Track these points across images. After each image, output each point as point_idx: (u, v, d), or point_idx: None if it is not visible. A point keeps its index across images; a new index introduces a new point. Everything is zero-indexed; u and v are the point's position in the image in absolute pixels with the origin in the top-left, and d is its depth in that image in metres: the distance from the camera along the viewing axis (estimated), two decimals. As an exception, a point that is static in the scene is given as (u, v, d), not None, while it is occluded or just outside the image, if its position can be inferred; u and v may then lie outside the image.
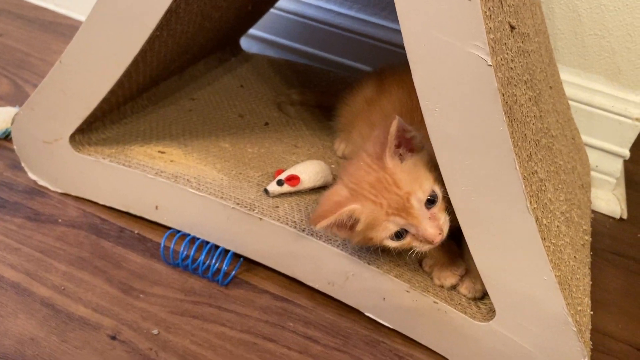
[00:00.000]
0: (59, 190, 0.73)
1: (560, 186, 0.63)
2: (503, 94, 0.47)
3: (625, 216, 0.90)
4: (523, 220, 0.50)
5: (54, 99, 0.66)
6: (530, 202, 0.49)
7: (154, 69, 0.70)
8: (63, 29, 1.18)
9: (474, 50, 0.45)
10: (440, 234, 0.53)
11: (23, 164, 0.73)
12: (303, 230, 0.62)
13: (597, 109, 0.88)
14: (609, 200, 0.91)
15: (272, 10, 0.97)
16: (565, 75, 0.88)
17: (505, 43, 0.50)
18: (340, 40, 1.02)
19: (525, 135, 0.53)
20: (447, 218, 0.55)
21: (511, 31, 0.53)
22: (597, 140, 0.90)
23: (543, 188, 0.55)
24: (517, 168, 0.48)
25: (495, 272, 0.53)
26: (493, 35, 0.46)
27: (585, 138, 0.89)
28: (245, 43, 1.03)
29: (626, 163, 0.93)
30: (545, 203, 0.55)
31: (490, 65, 0.45)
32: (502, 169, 0.48)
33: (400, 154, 0.55)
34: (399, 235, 0.54)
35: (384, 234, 0.54)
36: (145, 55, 0.62)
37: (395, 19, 0.98)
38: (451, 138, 0.49)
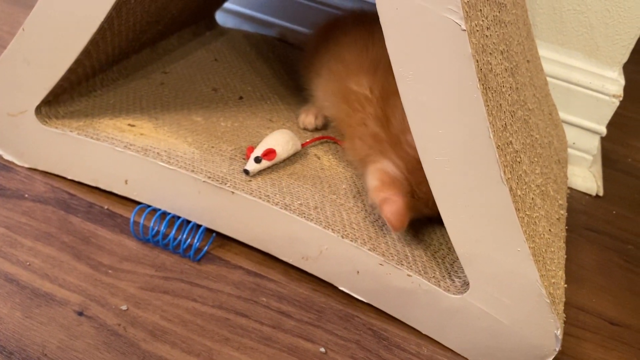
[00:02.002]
0: (26, 165, 0.71)
1: (536, 159, 0.63)
2: (477, 61, 0.46)
3: (601, 193, 0.91)
4: (497, 191, 0.49)
5: (17, 70, 0.63)
6: (505, 172, 0.49)
7: (123, 39, 0.67)
8: (32, 1, 1.14)
9: (448, 14, 0.44)
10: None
11: (-13, 138, 0.71)
12: (276, 204, 0.60)
13: (575, 86, 0.88)
14: (586, 177, 0.91)
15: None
16: (543, 51, 0.87)
17: (481, 10, 0.49)
18: (316, 14, 1.00)
19: (501, 105, 0.52)
20: None
21: (487, -1, 0.52)
22: (574, 117, 0.90)
23: (518, 159, 0.54)
24: (491, 137, 0.47)
25: (469, 244, 0.52)
26: (467, 0, 0.44)
27: (562, 115, 0.89)
28: (221, 17, 1.01)
29: (603, 140, 0.93)
30: (520, 175, 0.54)
31: (464, 30, 0.44)
32: (476, 138, 0.47)
33: None
34: None
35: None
36: (113, 23, 0.60)
37: (373, -7, 0.96)
38: (425, 106, 0.48)
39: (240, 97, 0.79)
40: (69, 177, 0.69)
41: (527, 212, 0.53)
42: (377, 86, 0.65)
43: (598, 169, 0.94)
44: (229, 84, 0.81)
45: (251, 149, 0.66)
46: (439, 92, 0.47)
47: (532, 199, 0.57)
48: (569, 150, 0.91)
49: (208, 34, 0.94)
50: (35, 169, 0.71)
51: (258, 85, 0.83)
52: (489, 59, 0.50)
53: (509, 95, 0.56)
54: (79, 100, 0.71)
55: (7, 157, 0.71)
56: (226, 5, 1.03)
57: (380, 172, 0.61)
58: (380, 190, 0.58)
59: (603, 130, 0.89)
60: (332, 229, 0.59)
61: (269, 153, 0.65)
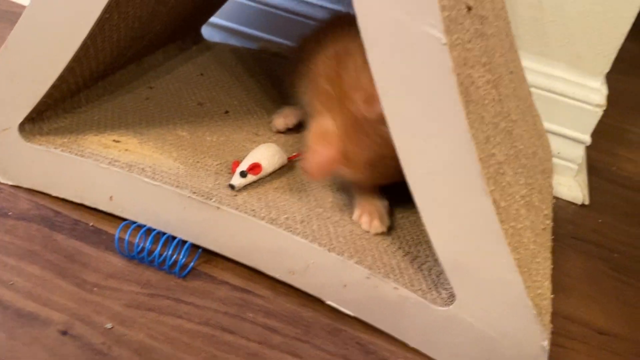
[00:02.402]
0: (10, 183, 0.70)
1: (520, 170, 0.63)
2: (458, 74, 0.46)
3: (587, 202, 0.91)
4: (480, 203, 0.49)
5: (0, 87, 0.63)
6: (488, 184, 0.49)
7: (107, 56, 0.67)
8: (18, 17, 1.14)
9: (428, 29, 0.44)
10: None
11: (-30, 156, 0.70)
12: (262, 219, 0.60)
13: (559, 96, 0.88)
14: (571, 186, 0.92)
15: (233, -2, 0.96)
16: (526, 62, 0.88)
17: (462, 23, 0.50)
18: (303, 28, 1.01)
19: (483, 117, 0.52)
20: None
21: (468, 12, 0.53)
22: (558, 127, 0.90)
23: (501, 171, 0.55)
24: (474, 150, 0.47)
25: (455, 256, 0.53)
26: (448, 13, 0.45)
27: (547, 124, 0.90)
28: (207, 32, 1.01)
29: (588, 149, 0.94)
30: (504, 186, 0.54)
31: (445, 44, 0.44)
32: (458, 151, 0.48)
33: None
34: None
35: None
36: (96, 39, 0.60)
37: (358, 6, 0.97)
38: (407, 121, 0.48)
39: (226, 112, 0.79)
40: (54, 194, 0.69)
41: (512, 224, 0.54)
42: (338, 51, 0.65)
43: (584, 178, 0.95)
44: (214, 98, 0.81)
45: (237, 164, 0.66)
46: (420, 106, 0.47)
47: (517, 210, 0.57)
48: (555, 159, 0.91)
49: (194, 48, 0.94)
50: (19, 187, 0.70)
51: (244, 99, 0.83)
52: (470, 72, 0.50)
53: (491, 107, 0.56)
54: (64, 117, 0.70)
55: (-10, 174, 0.71)
56: (212, 19, 1.03)
57: (317, 125, 0.62)
58: (312, 143, 0.60)
59: (587, 139, 0.90)
60: (319, 243, 0.59)
61: (255, 167, 0.65)
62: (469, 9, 0.53)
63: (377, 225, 0.62)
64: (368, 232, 0.62)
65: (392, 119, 0.48)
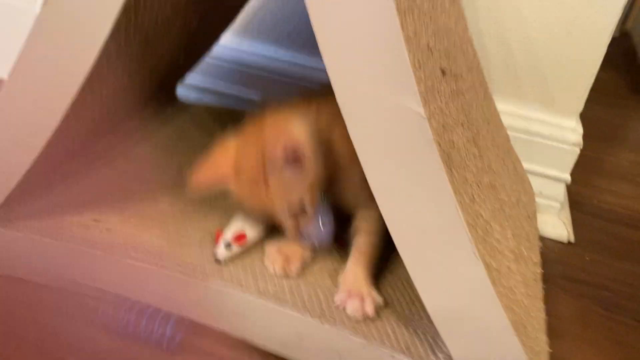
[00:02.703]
0: (-14, 269, 0.68)
1: (506, 223, 0.63)
2: (439, 143, 0.46)
3: (572, 239, 0.92)
4: (471, 267, 0.49)
5: (-28, 174, 0.61)
6: (478, 248, 0.48)
7: (82, 134, 0.66)
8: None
9: (406, 103, 0.44)
10: None
11: (-55, 244, 0.68)
12: (250, 291, 0.59)
13: (536, 137, 0.89)
14: (555, 224, 0.92)
15: (207, 59, 0.96)
16: (501, 105, 0.89)
17: (438, 90, 0.50)
18: (280, 84, 1.01)
19: (466, 178, 0.52)
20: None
21: (443, 76, 0.53)
22: (538, 167, 0.91)
23: (489, 229, 0.55)
24: (461, 215, 0.47)
25: (449, 320, 0.52)
26: (424, 85, 0.45)
27: (526, 165, 0.90)
28: (182, 92, 1.01)
29: (568, 185, 0.94)
30: (493, 244, 0.54)
31: (424, 117, 0.44)
32: (445, 216, 0.47)
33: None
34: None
35: None
36: (69, 120, 0.59)
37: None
38: (390, 189, 0.48)
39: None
40: (35, 280, 0.67)
41: (504, 284, 0.53)
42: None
43: (567, 214, 0.96)
44: (193, 162, 0.80)
45: (220, 233, 0.65)
46: (403, 176, 0.47)
47: (508, 267, 0.57)
48: (537, 199, 0.92)
49: (170, 110, 0.94)
50: (-3, 273, 0.68)
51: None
52: (450, 136, 0.50)
53: (473, 165, 0.56)
54: (40, 198, 0.69)
55: (-34, 262, 0.68)
56: (186, 79, 1.03)
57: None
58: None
59: (567, 177, 0.91)
60: (310, 314, 0.58)
61: (240, 238, 0.64)
62: (443, 73, 0.54)
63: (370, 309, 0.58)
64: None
65: (376, 186, 0.48)
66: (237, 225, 0.65)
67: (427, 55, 0.49)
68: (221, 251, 0.62)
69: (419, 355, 0.56)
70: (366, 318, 0.58)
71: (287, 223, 0.61)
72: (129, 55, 0.59)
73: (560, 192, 0.92)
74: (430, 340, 0.58)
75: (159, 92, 0.91)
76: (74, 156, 0.74)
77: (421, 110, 0.44)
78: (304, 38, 0.98)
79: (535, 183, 0.91)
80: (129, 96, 0.72)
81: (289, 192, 0.58)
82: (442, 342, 0.58)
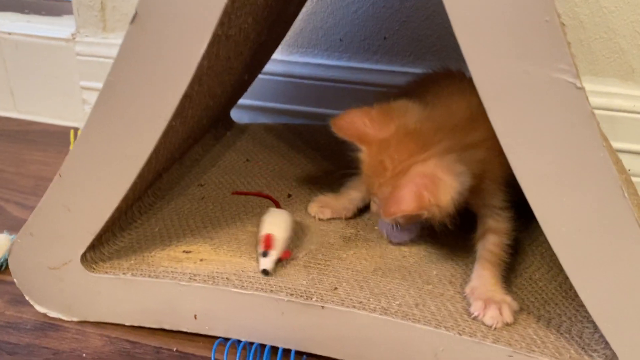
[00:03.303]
0: (75, 319, 0.63)
1: (636, 202, 0.58)
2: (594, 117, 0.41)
3: (671, 216, 0.86)
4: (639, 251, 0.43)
5: (57, 219, 0.57)
6: (642, 229, 0.43)
7: (163, 163, 0.62)
8: (32, 135, 1.09)
9: (560, 75, 0.39)
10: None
11: (27, 297, 0.64)
12: (374, 310, 0.54)
13: (618, 112, 0.85)
14: (650, 203, 0.87)
15: (259, 75, 0.92)
16: (579, 84, 0.84)
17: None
18: (333, 92, 0.97)
19: (610, 157, 0.47)
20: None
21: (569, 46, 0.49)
22: (624, 144, 0.86)
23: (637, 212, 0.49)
24: (626, 196, 0.42)
25: (615, 316, 0.46)
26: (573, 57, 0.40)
27: (612, 144, 0.85)
28: (234, 114, 0.97)
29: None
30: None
31: (580, 88, 0.39)
32: (610, 201, 0.42)
33: None
34: None
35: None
36: (159, 150, 0.54)
37: (388, 60, 0.94)
38: (543, 177, 0.43)
39: (289, 195, 0.73)
40: (127, 324, 0.62)
41: (666, 267, 0.48)
42: None
43: (659, 191, 0.90)
44: (270, 184, 0.76)
45: (269, 240, 0.60)
46: (559, 159, 0.42)
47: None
48: (628, 178, 0.86)
49: (229, 134, 0.90)
50: (86, 321, 0.63)
51: (300, 178, 0.77)
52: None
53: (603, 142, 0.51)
54: (122, 236, 0.64)
55: (52, 314, 0.64)
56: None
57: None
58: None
59: (657, 151, 0.85)
60: (445, 327, 0.52)
61: (286, 254, 0.59)
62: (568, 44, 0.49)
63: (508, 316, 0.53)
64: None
65: (524, 176, 0.43)
66: (279, 243, 0.60)
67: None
68: (268, 263, 0.58)
69: (571, 358, 0.51)
70: (505, 325, 0.53)
71: (374, 207, 0.61)
72: (215, 71, 0.54)
73: (650, 167, 0.87)
74: (577, 339, 0.53)
75: (217, 117, 0.87)
76: (147, 189, 0.70)
77: (577, 81, 0.39)
78: (357, 42, 0.94)
79: (623, 161, 0.86)
80: (205, 118, 0.68)
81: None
82: (590, 337, 0.53)
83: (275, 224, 0.62)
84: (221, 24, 0.45)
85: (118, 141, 0.51)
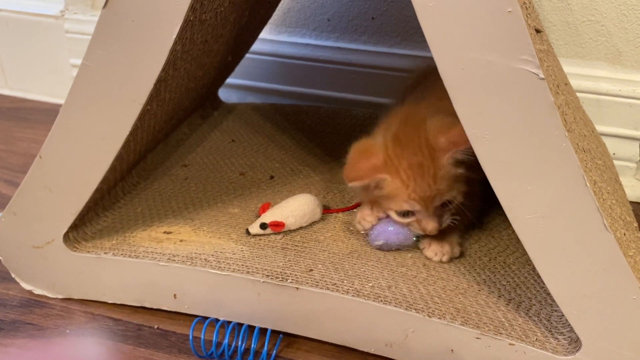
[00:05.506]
0: (60, 296, 0.65)
1: (609, 188, 0.58)
2: (558, 107, 0.42)
3: (653, 200, 0.86)
4: (602, 240, 0.44)
5: (39, 199, 0.58)
6: (606, 218, 0.44)
7: (143, 145, 0.63)
8: (23, 113, 1.10)
9: (522, 65, 0.40)
10: (437, 229, 0.58)
11: (13, 275, 0.65)
12: (347, 292, 0.55)
13: (604, 96, 0.84)
14: (634, 186, 0.87)
15: (247, 55, 0.92)
16: (565, 67, 0.84)
17: (539, 50, 0.46)
18: (322, 72, 0.97)
19: (577, 145, 0.48)
20: (450, 219, 0.60)
21: (537, 34, 0.49)
22: (609, 127, 0.86)
23: (604, 197, 0.50)
24: (588, 185, 0.43)
25: (578, 300, 0.47)
26: (537, 46, 0.41)
27: (598, 127, 0.85)
28: (223, 94, 0.97)
29: (641, 144, 0.89)
30: (611, 214, 0.50)
31: (543, 79, 0.40)
32: (572, 189, 0.43)
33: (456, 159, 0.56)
34: (406, 213, 0.58)
35: (395, 207, 0.59)
36: (137, 132, 0.55)
37: (376, 42, 0.93)
38: (507, 165, 0.43)
39: (271, 177, 0.74)
40: (110, 301, 0.64)
41: (630, 253, 0.49)
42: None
43: (643, 174, 0.90)
44: (254, 165, 0.77)
45: (266, 207, 0.65)
46: (522, 149, 0.42)
47: (624, 234, 0.52)
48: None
49: (216, 113, 0.90)
50: (70, 299, 0.65)
51: (285, 160, 0.78)
52: (558, 99, 0.46)
53: (577, 131, 0.52)
54: (105, 216, 0.66)
55: (38, 291, 0.65)
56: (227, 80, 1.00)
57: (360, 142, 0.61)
58: (353, 152, 0.60)
59: (641, 134, 0.85)
60: (415, 309, 0.54)
61: (277, 225, 0.63)
62: (538, 31, 0.49)
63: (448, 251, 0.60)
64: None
65: (489, 165, 0.44)
66: (284, 212, 0.63)
67: (526, 13, 0.44)
68: (255, 229, 0.62)
69: (538, 341, 0.52)
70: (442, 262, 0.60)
71: (432, 218, 0.58)
72: (191, 55, 0.55)
73: (635, 151, 0.87)
74: (546, 322, 0.54)
75: (204, 97, 0.87)
76: (131, 169, 0.71)
77: (539, 71, 0.39)
78: (345, 22, 0.93)
79: (608, 144, 0.86)
80: (186, 100, 0.69)
81: (451, 184, 0.57)
82: (559, 321, 0.54)
83: (290, 202, 0.65)
84: (193, 9, 0.45)
85: (94, 124, 0.52)
